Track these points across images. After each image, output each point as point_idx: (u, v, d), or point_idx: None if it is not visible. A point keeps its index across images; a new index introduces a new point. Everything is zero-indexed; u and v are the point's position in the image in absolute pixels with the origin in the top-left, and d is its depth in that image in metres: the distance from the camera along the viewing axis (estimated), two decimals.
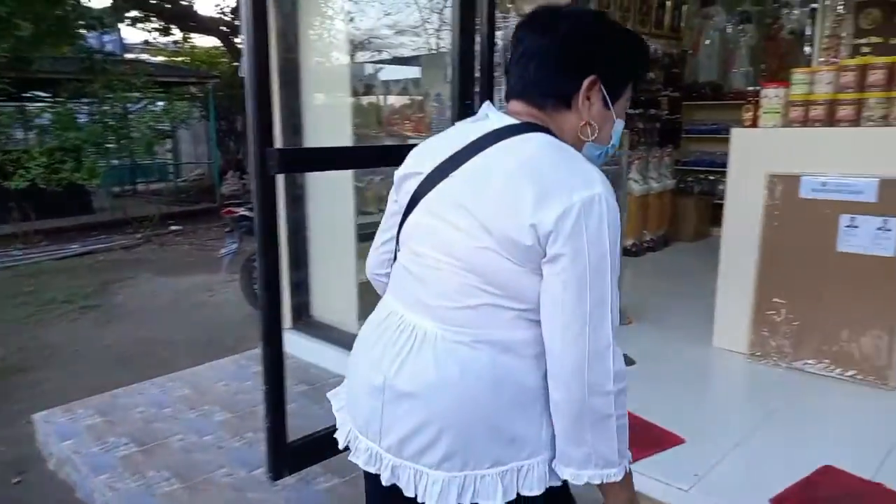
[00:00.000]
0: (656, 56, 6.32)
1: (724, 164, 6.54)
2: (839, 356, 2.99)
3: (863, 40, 3.76)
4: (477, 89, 2.46)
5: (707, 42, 6.75)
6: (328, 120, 3.60)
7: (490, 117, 1.10)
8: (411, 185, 1.13)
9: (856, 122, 2.91)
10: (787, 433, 2.53)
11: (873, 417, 2.67)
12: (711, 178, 6.91)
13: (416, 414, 1.03)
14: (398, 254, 1.18)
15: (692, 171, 7.06)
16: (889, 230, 2.82)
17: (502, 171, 1.00)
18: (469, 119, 1.15)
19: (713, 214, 6.73)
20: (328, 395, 1.30)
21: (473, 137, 1.07)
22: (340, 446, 1.19)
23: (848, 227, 2.94)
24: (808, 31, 6.19)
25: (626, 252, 5.64)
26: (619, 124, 1.13)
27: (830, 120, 2.98)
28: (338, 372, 3.37)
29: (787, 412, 2.70)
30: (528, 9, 1.66)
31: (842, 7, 3.79)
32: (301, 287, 3.75)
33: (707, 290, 3.60)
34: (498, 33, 2.93)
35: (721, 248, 3.43)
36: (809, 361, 3.08)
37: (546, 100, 1.07)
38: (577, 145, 1.09)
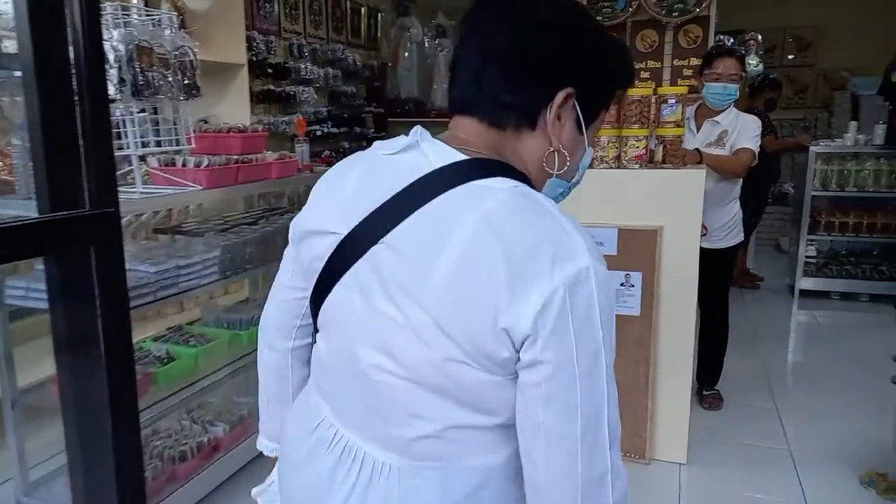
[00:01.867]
0: (356, 68, 5.70)
1: None
2: None
3: None
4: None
5: (406, 55, 6.36)
6: None
7: (424, 148, 0.79)
8: (321, 248, 0.82)
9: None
10: None
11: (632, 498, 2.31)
12: None
13: None
14: (319, 340, 0.89)
15: None
16: (633, 285, 2.50)
17: (455, 244, 0.71)
18: (389, 145, 0.83)
19: None
20: (253, 493, 1.05)
21: (406, 181, 0.77)
22: None
23: None
24: None
25: None
26: (589, 155, 0.87)
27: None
28: None
29: None
30: None
31: None
32: None
33: None
34: (115, 32, 1.84)
35: None
36: None
37: (506, 116, 0.79)
38: (538, 180, 0.83)
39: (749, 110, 5.25)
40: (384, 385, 0.78)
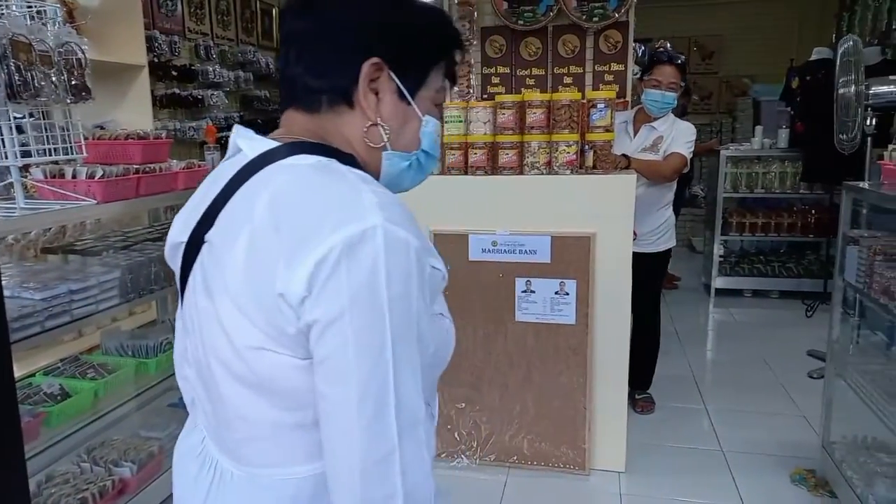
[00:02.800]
0: (269, 71, 5.45)
1: None
2: (534, 448, 2.54)
3: (491, 69, 3.48)
4: None
5: None
6: None
7: (240, 144, 0.80)
8: (177, 262, 0.83)
9: (519, 169, 2.46)
10: None
11: None
12: None
13: None
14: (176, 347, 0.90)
15: None
16: (567, 294, 2.45)
17: (248, 225, 0.71)
18: (227, 155, 0.84)
19: None
20: None
21: (225, 181, 0.77)
22: None
23: (524, 291, 2.49)
24: None
25: None
26: (431, 123, 0.84)
27: (493, 167, 2.48)
28: None
29: None
30: None
31: (466, 30, 3.44)
32: None
33: None
34: None
35: None
36: (495, 457, 2.57)
37: (316, 98, 0.79)
38: (372, 160, 0.81)
39: None
40: (217, 386, 0.76)
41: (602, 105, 2.36)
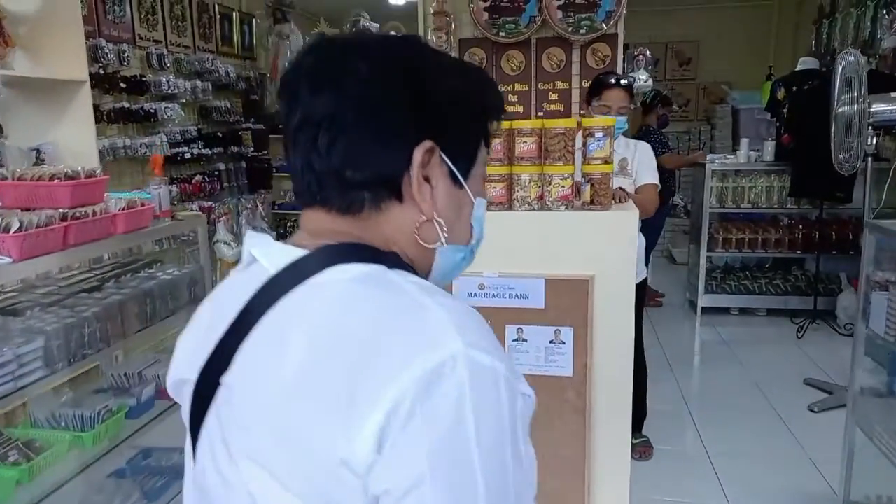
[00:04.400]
0: (230, 80, 5.11)
1: None
2: None
3: None
4: None
5: (287, 65, 5.80)
6: None
7: (255, 254, 0.66)
8: (185, 403, 0.69)
9: (508, 204, 2.20)
10: None
11: None
12: None
13: None
14: None
15: (291, 216, 6.09)
16: (563, 342, 2.20)
17: (281, 372, 0.57)
18: (240, 265, 0.69)
19: None
20: None
21: (244, 301, 0.62)
22: None
23: (516, 340, 2.23)
24: None
25: None
26: (481, 206, 0.71)
27: None
28: None
29: None
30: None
31: (443, 42, 3.17)
32: None
33: None
34: None
35: None
36: None
37: (357, 197, 0.64)
38: (422, 258, 0.68)
39: (643, 127, 5.24)
40: None
41: (600, 134, 2.11)
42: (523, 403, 0.56)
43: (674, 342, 4.39)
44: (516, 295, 2.19)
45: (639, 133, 5.01)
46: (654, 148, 5.23)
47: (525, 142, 2.13)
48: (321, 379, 0.55)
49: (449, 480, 0.51)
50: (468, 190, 0.69)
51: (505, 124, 2.19)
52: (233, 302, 0.64)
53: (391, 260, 0.64)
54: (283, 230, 5.97)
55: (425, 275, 0.69)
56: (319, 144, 0.63)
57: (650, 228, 4.00)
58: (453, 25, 3.15)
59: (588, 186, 2.14)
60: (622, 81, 2.77)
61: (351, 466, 0.52)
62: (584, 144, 2.13)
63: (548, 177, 2.15)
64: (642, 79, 5.05)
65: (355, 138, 0.63)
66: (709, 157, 5.05)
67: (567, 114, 2.96)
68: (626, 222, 2.17)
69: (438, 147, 0.65)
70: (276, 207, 6.00)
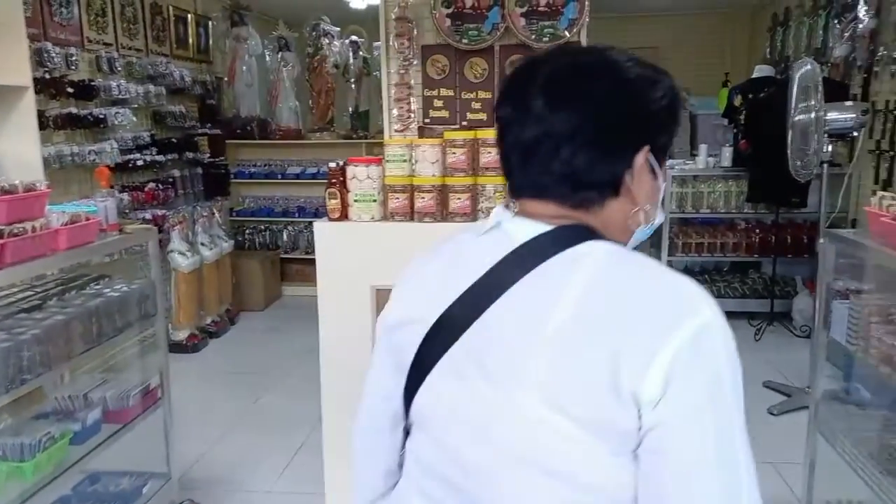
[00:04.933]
0: (185, 84, 4.96)
1: (286, 212, 6.04)
2: None
3: (434, 92, 3.17)
4: None
5: (245, 69, 5.68)
6: None
7: (505, 227, 0.80)
8: (410, 338, 0.80)
9: (473, 215, 2.15)
10: None
11: None
12: (274, 227, 5.94)
13: None
14: (413, 440, 0.84)
15: (250, 223, 5.95)
16: None
17: (561, 313, 0.70)
18: (471, 229, 0.85)
19: (282, 271, 5.81)
20: None
21: (491, 259, 0.76)
22: None
23: None
24: (351, 65, 5.70)
25: (181, 349, 4.22)
26: (663, 188, 0.85)
27: (444, 213, 2.17)
28: None
29: None
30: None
31: (405, 48, 3.11)
32: None
33: (307, 386, 2.53)
34: None
35: (323, 388, 2.33)
36: None
37: (587, 194, 0.78)
38: (623, 238, 0.82)
39: None
40: (500, 478, 0.73)
41: None
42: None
43: None
44: None
45: None
46: None
47: (490, 152, 2.09)
48: (606, 322, 0.68)
49: (720, 412, 0.66)
50: (660, 178, 0.81)
51: (469, 134, 2.15)
52: (478, 260, 0.77)
53: (618, 243, 0.77)
54: (241, 237, 5.82)
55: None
56: (562, 154, 0.75)
57: None
58: (415, 31, 3.10)
59: None
60: None
61: (638, 398, 0.65)
62: None
63: None
64: None
65: (593, 150, 0.75)
66: (669, 162, 5.10)
67: None
68: None
69: (650, 150, 0.78)
70: (234, 214, 5.85)
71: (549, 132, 0.75)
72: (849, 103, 3.47)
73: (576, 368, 0.67)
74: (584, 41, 3.11)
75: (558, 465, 0.69)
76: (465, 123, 3.11)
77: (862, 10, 4.17)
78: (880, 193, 1.91)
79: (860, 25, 4.21)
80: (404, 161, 2.15)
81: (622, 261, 0.74)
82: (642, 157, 0.77)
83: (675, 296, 0.70)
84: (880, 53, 4.08)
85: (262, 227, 5.91)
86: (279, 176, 5.82)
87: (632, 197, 0.79)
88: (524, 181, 0.80)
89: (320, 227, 2.23)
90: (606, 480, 0.69)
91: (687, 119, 6.87)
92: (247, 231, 5.89)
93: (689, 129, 6.87)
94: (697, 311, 0.68)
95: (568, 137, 0.74)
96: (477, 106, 3.15)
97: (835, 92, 3.64)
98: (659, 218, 0.85)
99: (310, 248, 5.78)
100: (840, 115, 3.15)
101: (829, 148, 3.17)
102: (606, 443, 0.67)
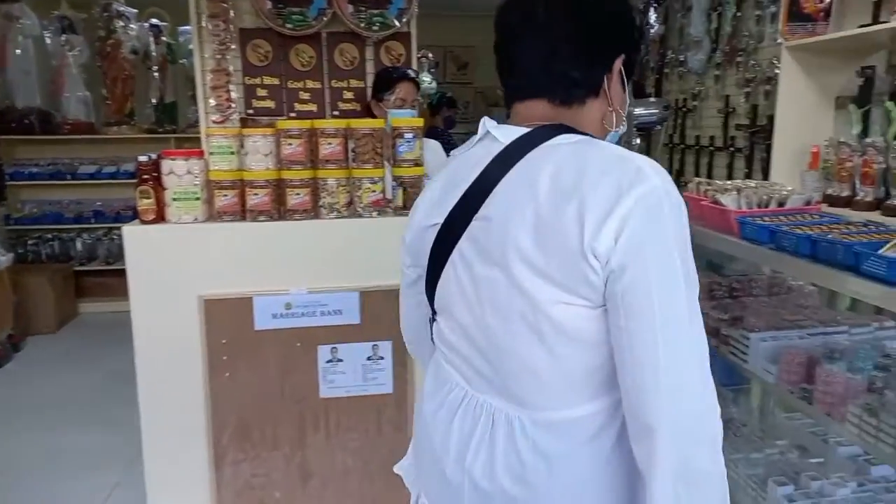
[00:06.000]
0: None
1: (79, 218, 5.24)
2: None
3: (256, 80, 2.91)
4: None
5: (18, 52, 4.85)
6: None
7: (493, 133, 0.93)
8: (427, 240, 0.97)
9: (314, 212, 1.98)
10: None
11: None
12: (65, 236, 5.17)
13: None
14: (438, 323, 1.01)
15: (34, 231, 5.11)
16: (382, 358, 2.05)
17: (534, 201, 0.84)
18: (466, 144, 1.00)
19: (77, 286, 5.08)
20: (396, 468, 1.19)
21: (483, 165, 0.91)
22: None
23: (330, 361, 2.02)
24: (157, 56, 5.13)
25: None
26: (626, 104, 0.99)
27: (280, 211, 1.97)
28: None
29: None
30: None
31: (221, 31, 2.82)
32: None
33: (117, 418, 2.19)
34: None
35: (143, 417, 2.00)
36: None
37: (577, 92, 0.93)
38: (598, 137, 0.93)
39: (431, 129, 5.30)
40: (500, 340, 0.88)
41: (410, 135, 1.99)
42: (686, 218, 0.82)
43: None
44: (329, 311, 1.99)
45: (427, 134, 5.05)
46: (444, 148, 5.32)
47: (330, 143, 1.94)
48: (567, 198, 0.80)
49: (660, 257, 0.78)
50: (628, 89, 0.96)
51: (305, 123, 1.97)
52: (472, 166, 0.91)
53: (591, 136, 0.89)
54: (23, 249, 4.97)
55: None
56: (561, 55, 0.89)
57: None
58: (231, 13, 2.81)
59: (400, 190, 2.01)
60: (411, 73, 2.72)
61: (595, 252, 0.77)
62: (394, 146, 1.99)
63: (357, 181, 1.98)
64: (426, 80, 5.11)
65: (587, 51, 0.90)
66: None
67: (363, 114, 2.81)
68: None
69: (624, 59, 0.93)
70: (11, 222, 4.98)
71: (551, 37, 0.89)
72: (652, 99, 3.81)
73: (553, 236, 0.80)
74: (413, 33, 3.06)
75: (551, 324, 0.82)
76: (293, 115, 2.90)
77: (652, 17, 4.62)
78: (697, 180, 2.07)
79: (652, 31, 4.66)
80: (231, 154, 1.92)
81: (590, 144, 0.86)
82: (619, 63, 0.92)
83: (630, 167, 0.80)
84: (669, 56, 4.55)
85: (50, 236, 5.10)
86: (69, 176, 5.06)
87: (608, 98, 0.93)
88: (524, 81, 0.92)
89: (131, 232, 1.91)
90: (588, 332, 0.82)
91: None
92: (29, 241, 5.05)
93: None
94: (647, 178, 0.79)
95: (566, 41, 0.89)
96: (306, 96, 2.95)
97: (636, 91, 3.98)
98: (623, 127, 0.98)
99: (111, 257, 5.12)
100: (646, 111, 3.44)
101: (638, 141, 3.44)
102: (584, 299, 0.80)
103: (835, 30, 2.72)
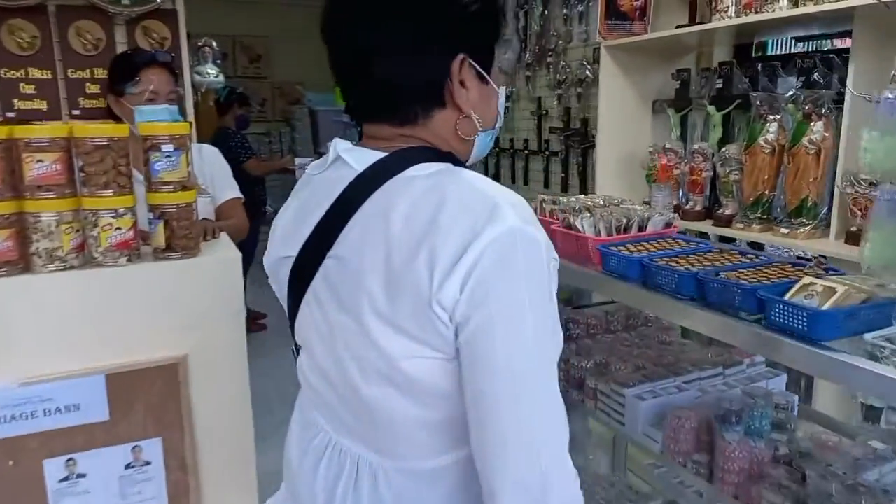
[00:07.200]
0: None
1: None
2: None
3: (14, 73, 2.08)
4: None
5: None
6: None
7: (345, 158, 0.86)
8: (283, 274, 0.91)
9: (23, 264, 1.33)
10: None
11: None
12: None
13: None
14: (301, 359, 0.96)
15: None
16: (148, 463, 1.46)
17: (385, 245, 0.78)
18: (318, 165, 0.93)
19: None
20: None
21: (335, 194, 0.84)
22: None
23: (65, 480, 1.39)
24: None
25: None
26: (502, 94, 0.93)
27: None
28: None
29: None
30: None
31: None
32: None
33: None
34: None
35: None
36: None
37: (411, 108, 0.84)
38: (464, 147, 0.89)
39: (221, 130, 4.59)
40: (359, 391, 0.82)
41: (169, 147, 1.41)
42: (554, 264, 0.79)
43: (280, 373, 3.91)
44: (57, 409, 1.37)
45: (216, 136, 4.35)
46: (236, 152, 4.61)
47: (43, 161, 1.31)
48: (417, 245, 0.75)
49: (511, 313, 0.73)
50: (493, 84, 0.88)
51: (2, 131, 1.30)
52: (325, 193, 0.85)
53: (450, 159, 0.84)
54: None
55: (466, 159, 0.89)
56: (372, 69, 0.82)
57: (242, 247, 3.41)
58: None
59: (160, 224, 1.43)
60: (162, 58, 2.02)
61: (444, 304, 0.74)
62: (147, 163, 1.41)
63: (90, 215, 1.36)
64: (212, 73, 4.37)
65: (406, 61, 0.81)
66: (297, 160, 4.73)
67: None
68: (227, 268, 1.55)
69: (468, 56, 0.83)
70: None
71: (364, 46, 0.81)
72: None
73: (404, 286, 0.75)
74: (181, 13, 2.43)
75: (405, 378, 0.77)
76: (11, 115, 2.12)
77: None
78: (541, 197, 1.77)
79: None
80: None
81: (448, 176, 0.80)
82: (457, 65, 0.82)
83: (485, 207, 0.74)
84: None
85: None
86: None
87: (457, 105, 0.84)
88: (353, 103, 0.87)
89: None
90: (444, 385, 0.78)
91: (307, 115, 6.62)
92: None
93: (311, 125, 6.63)
94: (502, 219, 0.73)
95: (383, 49, 0.80)
96: (30, 90, 2.18)
97: None
98: (498, 123, 0.90)
99: None
100: None
101: None
102: (438, 351, 0.76)
103: (652, 30, 2.61)
